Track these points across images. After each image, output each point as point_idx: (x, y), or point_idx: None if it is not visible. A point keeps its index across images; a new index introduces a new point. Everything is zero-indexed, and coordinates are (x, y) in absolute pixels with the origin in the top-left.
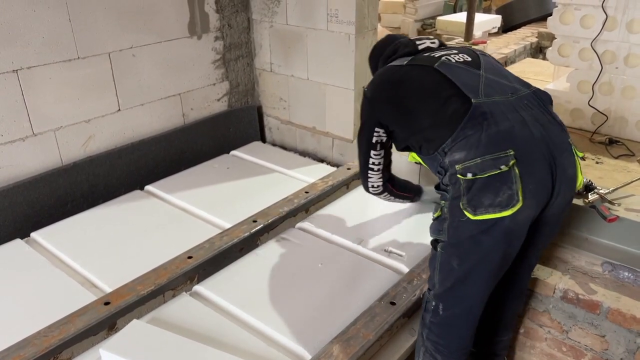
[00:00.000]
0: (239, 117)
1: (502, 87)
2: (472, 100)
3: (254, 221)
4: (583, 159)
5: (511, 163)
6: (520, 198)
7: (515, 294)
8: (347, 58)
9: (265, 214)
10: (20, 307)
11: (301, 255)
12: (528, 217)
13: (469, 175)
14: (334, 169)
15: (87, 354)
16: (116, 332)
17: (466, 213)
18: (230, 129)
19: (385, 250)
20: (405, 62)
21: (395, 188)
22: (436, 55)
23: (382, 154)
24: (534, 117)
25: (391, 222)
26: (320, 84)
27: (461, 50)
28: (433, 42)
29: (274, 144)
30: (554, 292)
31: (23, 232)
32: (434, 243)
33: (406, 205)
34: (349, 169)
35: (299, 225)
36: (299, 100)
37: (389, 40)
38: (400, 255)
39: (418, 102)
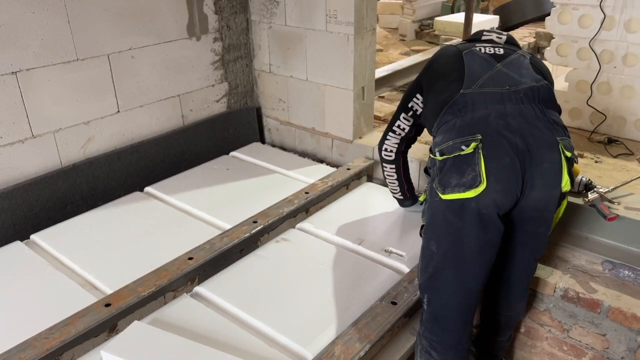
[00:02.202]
0: (238, 118)
1: (504, 80)
2: (461, 89)
3: (254, 222)
4: (572, 160)
5: (472, 145)
6: (484, 179)
7: (511, 297)
8: (346, 59)
9: (265, 214)
10: (20, 309)
11: (301, 255)
12: (496, 202)
13: (438, 155)
14: (334, 169)
15: (88, 356)
16: (117, 333)
17: (438, 193)
18: (230, 130)
19: (385, 250)
20: (456, 45)
21: (402, 169)
22: (476, 45)
23: (411, 124)
24: (520, 110)
25: (391, 222)
26: (320, 85)
27: (508, 47)
28: (500, 37)
29: (273, 145)
30: (554, 291)
31: (23, 234)
32: (421, 231)
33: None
34: (348, 169)
35: (299, 225)
36: (298, 101)
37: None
38: (401, 255)
39: (434, 82)
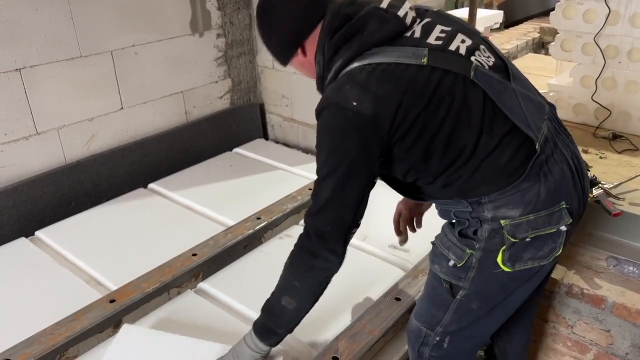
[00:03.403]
0: (241, 114)
1: (537, 108)
2: (535, 143)
3: (258, 218)
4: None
5: (569, 223)
6: (562, 249)
7: (523, 325)
8: None
9: (269, 211)
10: (26, 305)
11: None
12: None
13: (520, 238)
14: None
15: (93, 352)
16: None
17: (503, 267)
18: (233, 126)
19: (389, 246)
20: (424, 59)
21: None
22: (459, 51)
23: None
24: (565, 143)
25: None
26: None
27: (466, 32)
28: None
29: (276, 142)
30: (558, 287)
31: (27, 231)
32: (446, 284)
33: None
34: None
35: (302, 222)
36: (301, 98)
37: (324, 3)
38: (405, 251)
39: (461, 134)
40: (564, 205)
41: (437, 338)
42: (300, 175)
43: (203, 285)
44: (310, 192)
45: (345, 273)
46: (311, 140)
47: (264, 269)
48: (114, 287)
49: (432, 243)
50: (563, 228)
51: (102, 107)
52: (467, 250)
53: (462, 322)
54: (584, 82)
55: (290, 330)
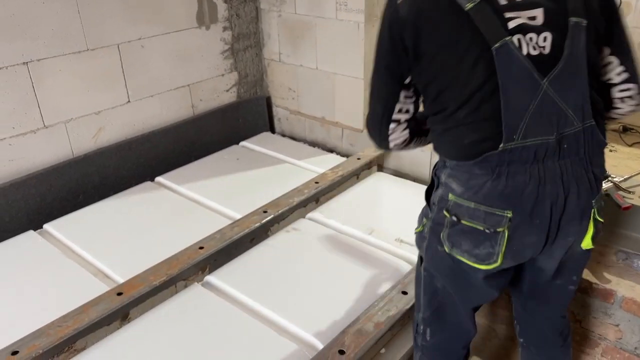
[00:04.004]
0: (248, 107)
1: (549, 120)
2: (501, 144)
3: (265, 212)
4: (600, 223)
5: (500, 229)
6: (500, 260)
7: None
8: (357, 47)
9: (275, 204)
10: (34, 298)
11: (312, 245)
12: (507, 274)
13: (454, 218)
14: (344, 159)
15: (100, 344)
16: (129, 322)
17: (444, 246)
18: (240, 119)
19: (396, 240)
20: (470, 5)
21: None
22: (509, 22)
23: (414, 99)
24: (561, 169)
25: (402, 212)
26: (329, 74)
27: (552, 12)
28: None
29: (283, 135)
30: None
31: (36, 224)
32: (419, 256)
33: (417, 195)
34: (358, 159)
35: (309, 215)
36: (308, 91)
37: None
38: (412, 245)
39: (450, 95)
40: (508, 214)
41: (421, 327)
42: (306, 168)
43: (210, 278)
44: (317, 185)
45: (352, 266)
46: (317, 134)
47: (270, 262)
48: (121, 280)
49: None
50: (490, 230)
51: (109, 100)
52: (424, 219)
53: (432, 305)
54: None
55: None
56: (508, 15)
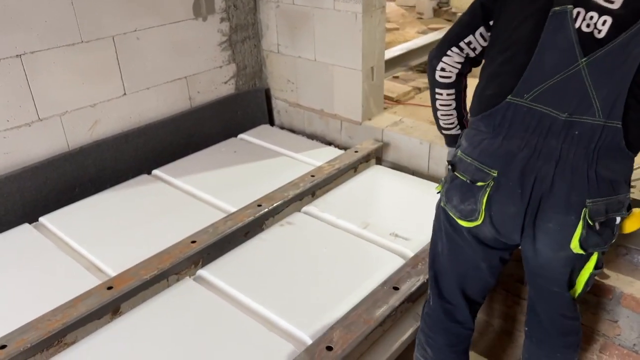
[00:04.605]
0: (246, 100)
1: (571, 97)
2: (509, 96)
3: (259, 205)
4: (592, 227)
5: (481, 184)
6: (481, 217)
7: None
8: (354, 38)
9: (270, 198)
10: (25, 291)
11: (306, 239)
12: (492, 235)
13: (453, 172)
14: (342, 152)
15: (90, 338)
16: (120, 316)
17: (442, 201)
18: (238, 112)
19: (391, 234)
20: None
21: (463, 95)
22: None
23: (485, 45)
24: (563, 154)
25: (399, 206)
26: (328, 65)
27: (626, 6)
28: None
29: (282, 127)
30: None
31: (32, 217)
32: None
33: (414, 189)
34: (356, 151)
35: (304, 209)
36: (306, 82)
37: None
38: (406, 240)
39: (498, 47)
40: (493, 173)
41: (428, 291)
42: (304, 161)
43: (202, 272)
44: (313, 179)
45: (345, 261)
46: (316, 126)
47: (263, 257)
48: (114, 274)
49: None
50: (473, 182)
51: (105, 93)
52: (443, 178)
53: (432, 269)
54: None
55: (440, 133)
56: None
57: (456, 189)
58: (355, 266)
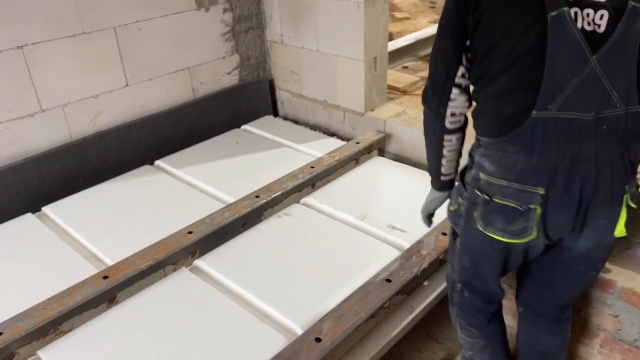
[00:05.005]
0: (250, 90)
1: (592, 96)
2: (533, 112)
3: (257, 196)
4: (631, 207)
5: (533, 206)
6: (535, 233)
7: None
8: (357, 28)
9: (268, 189)
10: (24, 280)
11: (303, 231)
12: (541, 244)
13: (486, 197)
14: (344, 143)
15: (86, 326)
16: (117, 305)
17: (478, 224)
18: (242, 103)
19: (388, 226)
20: None
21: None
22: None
23: (470, 68)
24: (596, 151)
25: (399, 198)
26: (331, 56)
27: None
28: None
29: (286, 118)
30: None
31: (36, 207)
32: (450, 228)
33: (415, 181)
34: (357, 143)
35: (303, 200)
36: (309, 73)
37: None
38: (403, 232)
39: (497, 57)
40: (540, 191)
41: (459, 285)
42: (305, 153)
43: (198, 262)
44: (312, 170)
45: (340, 253)
46: (320, 117)
47: (258, 248)
48: (112, 264)
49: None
50: (523, 207)
51: (107, 84)
52: (459, 199)
53: (464, 274)
54: None
55: (432, 175)
56: None
57: (497, 212)
58: (350, 258)
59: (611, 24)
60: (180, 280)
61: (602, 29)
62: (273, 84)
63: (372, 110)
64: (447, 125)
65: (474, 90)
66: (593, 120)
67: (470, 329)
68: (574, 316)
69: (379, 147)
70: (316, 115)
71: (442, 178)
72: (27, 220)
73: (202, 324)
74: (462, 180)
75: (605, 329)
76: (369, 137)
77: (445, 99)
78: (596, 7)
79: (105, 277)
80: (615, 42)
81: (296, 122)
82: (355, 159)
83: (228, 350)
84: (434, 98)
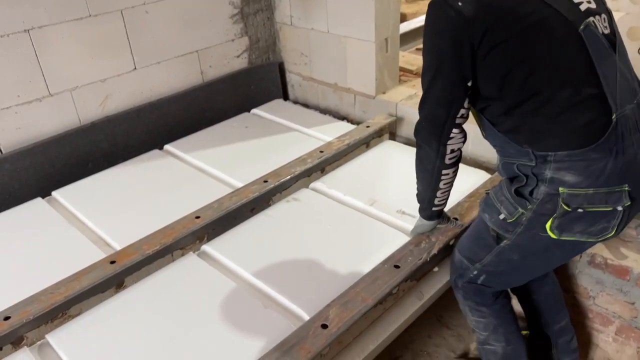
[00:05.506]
0: (259, 74)
1: (629, 89)
2: (613, 114)
3: (265, 181)
4: None
5: (626, 204)
6: (614, 232)
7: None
8: (367, 8)
9: (276, 174)
10: (32, 265)
11: (311, 216)
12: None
13: (574, 208)
14: (355, 127)
15: (94, 310)
16: (124, 289)
17: (550, 233)
18: (251, 86)
19: (398, 211)
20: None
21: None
22: (580, 6)
23: (468, 107)
24: None
25: (409, 183)
26: (341, 37)
27: (597, 2)
28: None
29: (296, 102)
30: (580, 256)
31: (46, 191)
32: (493, 232)
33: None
34: (368, 126)
35: (311, 185)
36: (319, 55)
37: None
38: (413, 217)
39: (544, 77)
40: (626, 188)
41: (475, 272)
42: (315, 137)
43: (206, 247)
44: (321, 154)
45: (349, 238)
46: (330, 101)
47: (266, 233)
48: (120, 248)
49: (486, 192)
50: (619, 208)
51: (115, 67)
52: (520, 209)
53: (500, 267)
54: (631, 33)
55: (422, 205)
56: (576, 0)
57: (577, 219)
58: (358, 243)
59: (610, 24)
60: (187, 265)
61: (608, 30)
62: (283, 66)
63: (384, 93)
64: (447, 161)
65: (518, 113)
66: (637, 107)
67: (480, 308)
68: (589, 302)
69: (390, 131)
70: (327, 99)
71: (434, 209)
72: (37, 204)
73: (209, 309)
74: (515, 193)
75: (620, 316)
76: (379, 120)
77: (445, 138)
78: (599, 13)
79: (113, 262)
80: (619, 39)
81: (306, 105)
82: (365, 143)
83: (234, 336)
84: (433, 137)
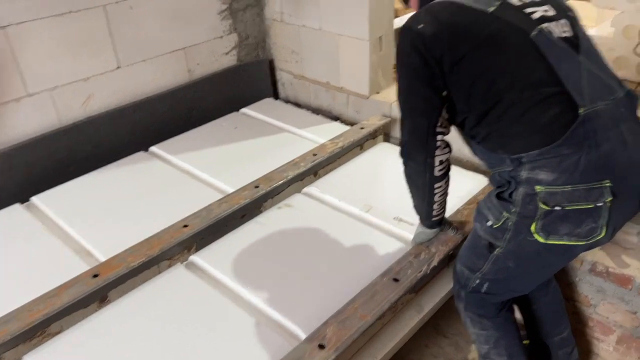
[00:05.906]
0: (249, 72)
1: (602, 86)
2: (580, 108)
3: (256, 187)
4: None
5: (608, 200)
6: (604, 233)
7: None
8: (361, 5)
9: (268, 179)
10: (11, 277)
11: (303, 223)
12: (604, 241)
13: (552, 206)
14: (348, 128)
15: (76, 327)
16: (108, 304)
17: (537, 236)
18: (240, 85)
19: (395, 218)
20: (492, 9)
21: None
22: (532, 15)
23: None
24: (631, 131)
25: (404, 187)
26: (334, 35)
27: (556, 6)
28: None
29: (287, 101)
30: (581, 264)
31: (25, 196)
32: (485, 240)
33: None
34: (362, 128)
35: (304, 190)
36: (311, 53)
37: None
38: (410, 224)
39: (503, 84)
40: (607, 184)
41: (477, 281)
42: (307, 138)
43: (194, 258)
44: (314, 158)
45: (344, 247)
46: (322, 100)
47: (257, 242)
48: (103, 259)
49: (477, 202)
50: (600, 204)
51: (97, 66)
52: (504, 213)
53: (498, 275)
54: (626, 32)
55: (421, 217)
56: (528, 10)
57: (563, 219)
58: (355, 253)
59: (573, 29)
60: (174, 278)
61: (570, 33)
62: (273, 64)
63: (378, 92)
64: (436, 173)
65: (486, 122)
66: (614, 104)
67: (482, 320)
68: (589, 310)
69: (385, 132)
70: (319, 98)
71: (434, 219)
72: (15, 211)
73: (197, 325)
74: (498, 198)
75: (622, 326)
76: (374, 121)
77: (431, 149)
78: (557, 19)
79: (95, 276)
80: (582, 41)
81: (298, 105)
82: (359, 145)
83: (226, 355)
84: (418, 150)
